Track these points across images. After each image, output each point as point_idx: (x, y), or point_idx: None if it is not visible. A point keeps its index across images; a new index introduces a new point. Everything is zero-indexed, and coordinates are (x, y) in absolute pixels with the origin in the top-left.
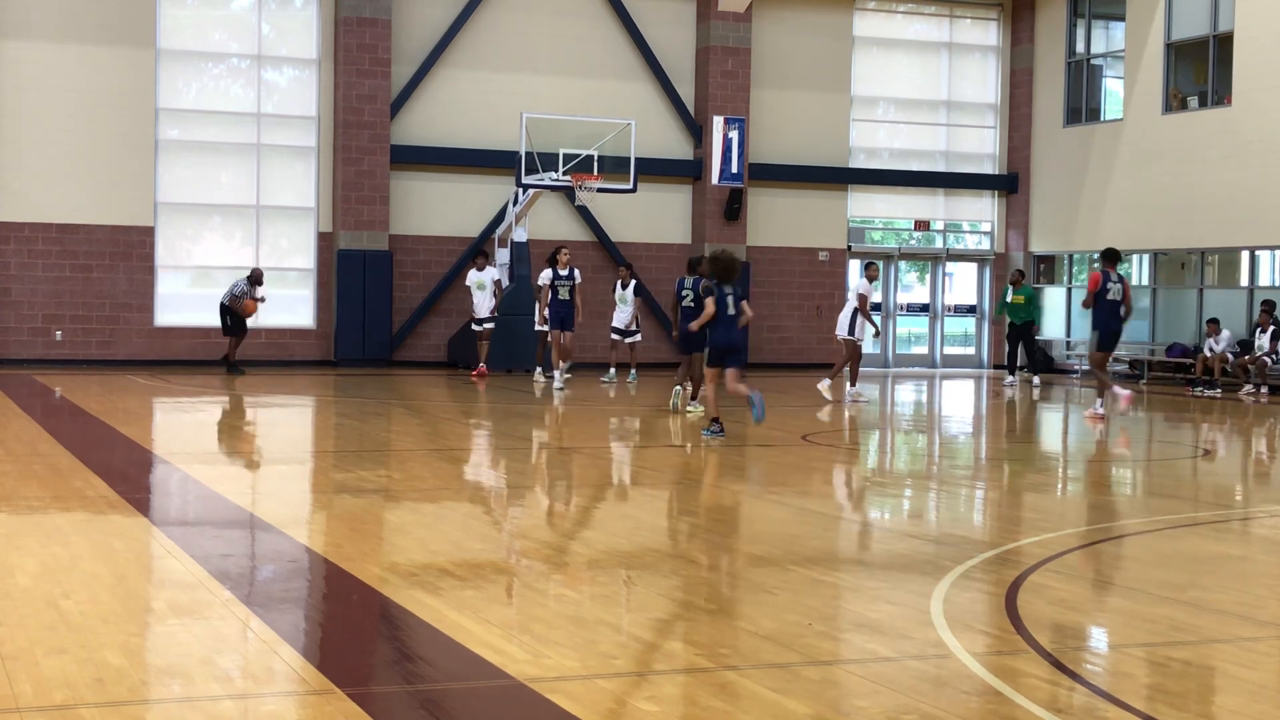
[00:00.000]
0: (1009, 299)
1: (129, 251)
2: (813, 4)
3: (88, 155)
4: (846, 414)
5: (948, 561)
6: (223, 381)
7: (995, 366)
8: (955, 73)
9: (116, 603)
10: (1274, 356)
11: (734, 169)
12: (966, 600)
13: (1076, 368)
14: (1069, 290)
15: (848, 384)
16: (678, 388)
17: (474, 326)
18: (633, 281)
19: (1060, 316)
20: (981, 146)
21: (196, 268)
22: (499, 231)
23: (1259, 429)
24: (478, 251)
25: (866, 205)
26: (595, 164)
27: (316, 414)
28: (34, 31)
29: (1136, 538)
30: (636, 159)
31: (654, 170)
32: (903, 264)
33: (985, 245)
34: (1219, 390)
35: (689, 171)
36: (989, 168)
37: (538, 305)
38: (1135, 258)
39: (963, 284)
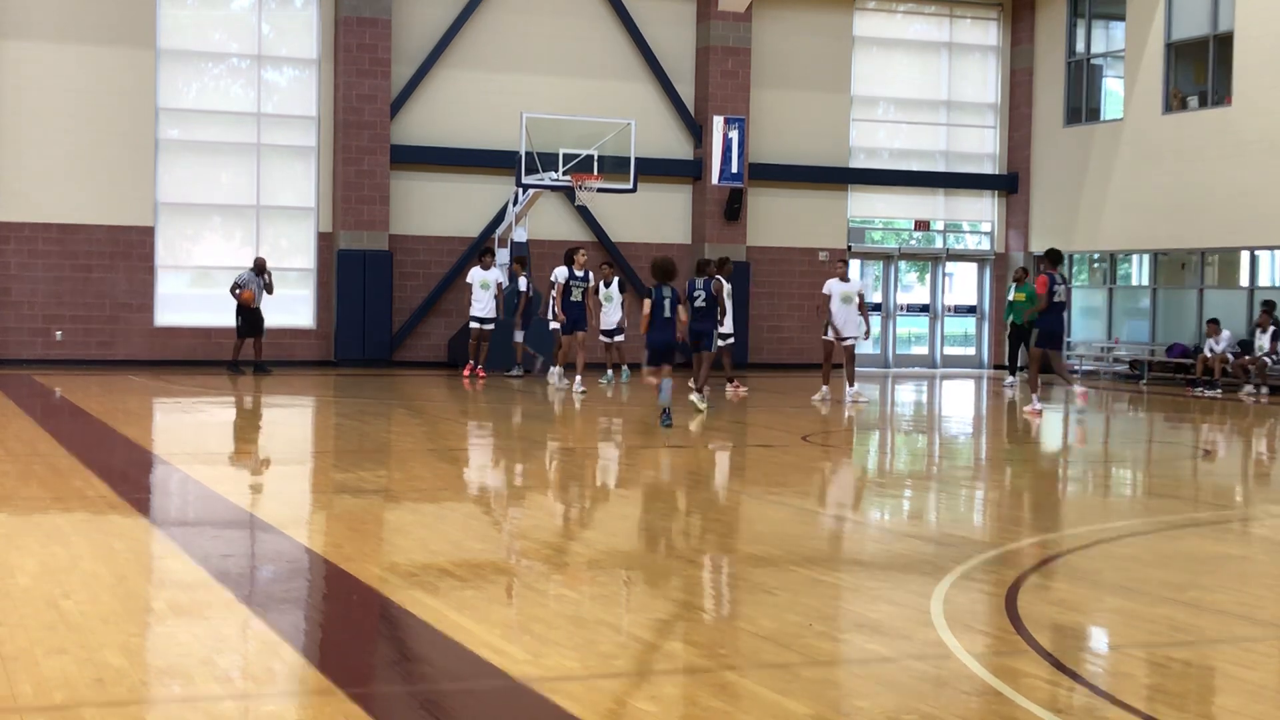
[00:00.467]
0: (1011, 297)
1: (129, 251)
2: (813, 4)
3: (88, 155)
4: (846, 414)
5: (948, 561)
6: (232, 381)
7: (995, 367)
8: (955, 73)
9: (116, 603)
10: (1274, 357)
11: (734, 169)
12: (966, 600)
13: (1077, 368)
14: (1069, 290)
15: (846, 384)
16: (695, 395)
17: (471, 325)
18: (615, 279)
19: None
20: (981, 146)
21: (196, 268)
22: (499, 231)
23: (1259, 429)
24: (483, 249)
25: (866, 205)
26: (595, 164)
27: (316, 414)
28: (34, 31)
29: (1136, 538)
30: (636, 159)
31: (654, 170)
32: (903, 264)
33: (985, 245)
34: (1219, 390)
35: (689, 171)
36: (989, 168)
37: (550, 304)
38: (1135, 258)
39: (963, 284)
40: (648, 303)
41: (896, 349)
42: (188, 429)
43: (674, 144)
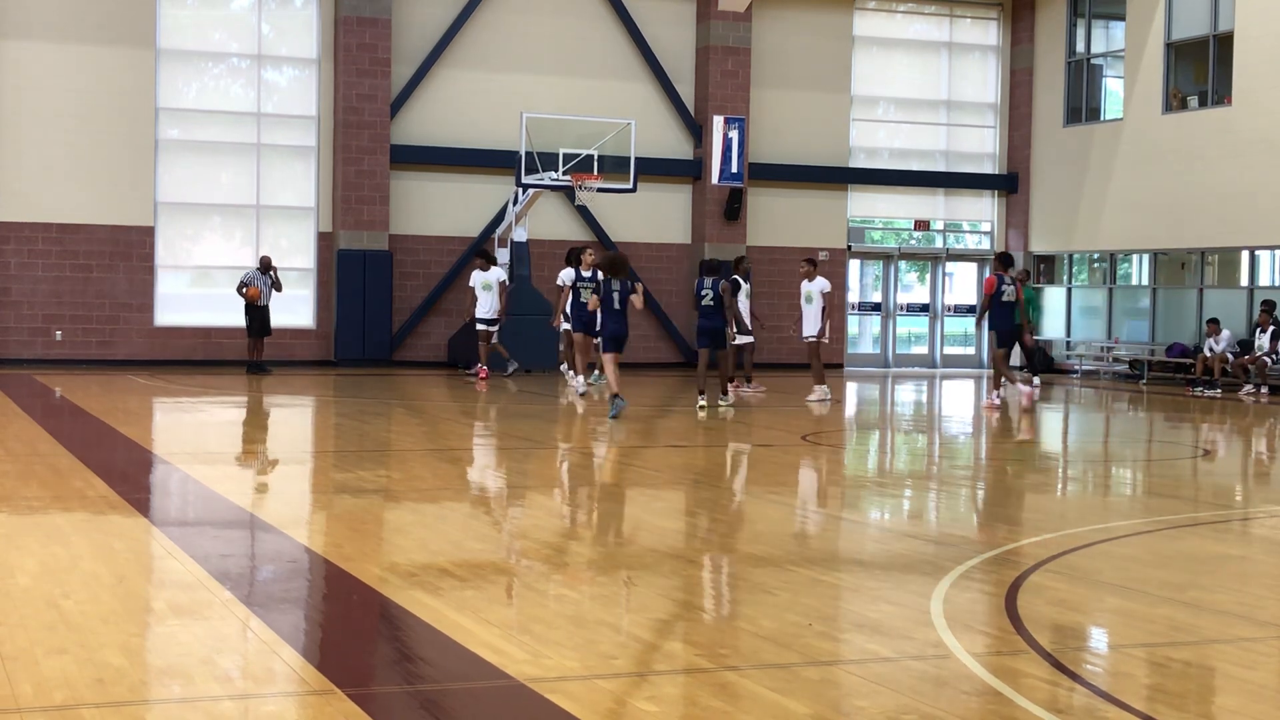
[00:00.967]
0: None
1: (129, 251)
2: (813, 4)
3: (88, 155)
4: (847, 414)
5: (948, 561)
6: (234, 382)
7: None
8: (955, 72)
9: (116, 603)
10: (1274, 356)
11: (734, 169)
12: (966, 600)
13: (1077, 368)
14: (1069, 290)
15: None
16: (722, 399)
17: (478, 327)
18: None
19: (1061, 317)
20: (981, 146)
21: (196, 268)
22: (499, 231)
23: (1259, 429)
24: (480, 252)
25: (866, 205)
26: (595, 164)
27: (316, 414)
28: (34, 31)
29: (1136, 538)
30: (636, 159)
31: (654, 170)
32: (903, 264)
33: (985, 245)
34: (1219, 390)
35: (689, 171)
36: (989, 167)
37: (556, 305)
38: (1135, 258)
39: (963, 284)
40: (597, 299)
41: (896, 349)
42: (188, 429)
43: (674, 144)
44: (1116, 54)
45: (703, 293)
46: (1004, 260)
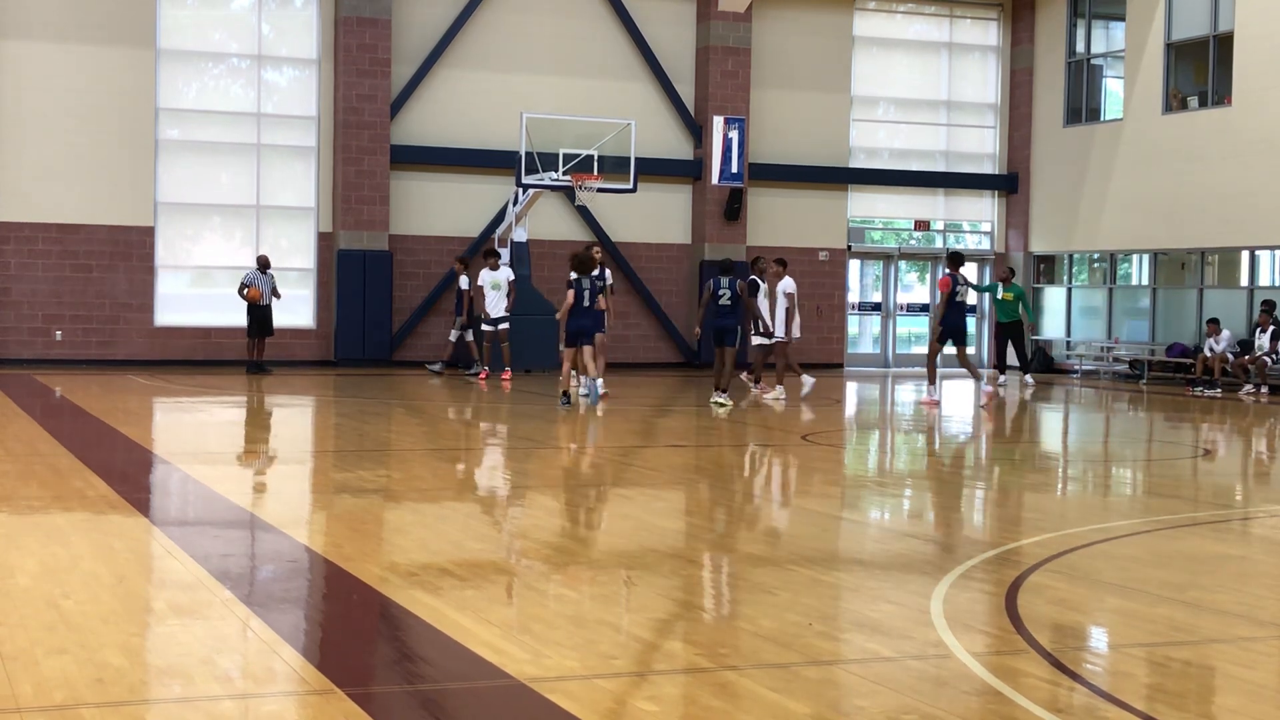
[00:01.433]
0: (999, 296)
1: (129, 251)
2: (813, 4)
3: (88, 155)
4: (846, 414)
5: (948, 561)
6: (234, 382)
7: (994, 367)
8: (955, 73)
9: (116, 603)
10: (1274, 356)
11: (734, 169)
12: (966, 600)
13: (1077, 368)
14: (1069, 290)
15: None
16: (721, 397)
17: (484, 326)
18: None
19: (1060, 316)
20: (981, 146)
21: (196, 268)
22: (499, 231)
23: (1259, 429)
24: (489, 251)
25: (866, 205)
26: (595, 164)
27: (316, 414)
28: (34, 31)
29: (1136, 538)
30: (636, 159)
31: (654, 170)
32: (903, 264)
33: (985, 245)
34: (1219, 390)
35: (689, 171)
36: (989, 168)
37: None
38: (1135, 258)
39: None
40: (570, 293)
41: (896, 349)
42: (188, 429)
43: (674, 144)
44: (1116, 54)
45: (720, 292)
46: (955, 260)
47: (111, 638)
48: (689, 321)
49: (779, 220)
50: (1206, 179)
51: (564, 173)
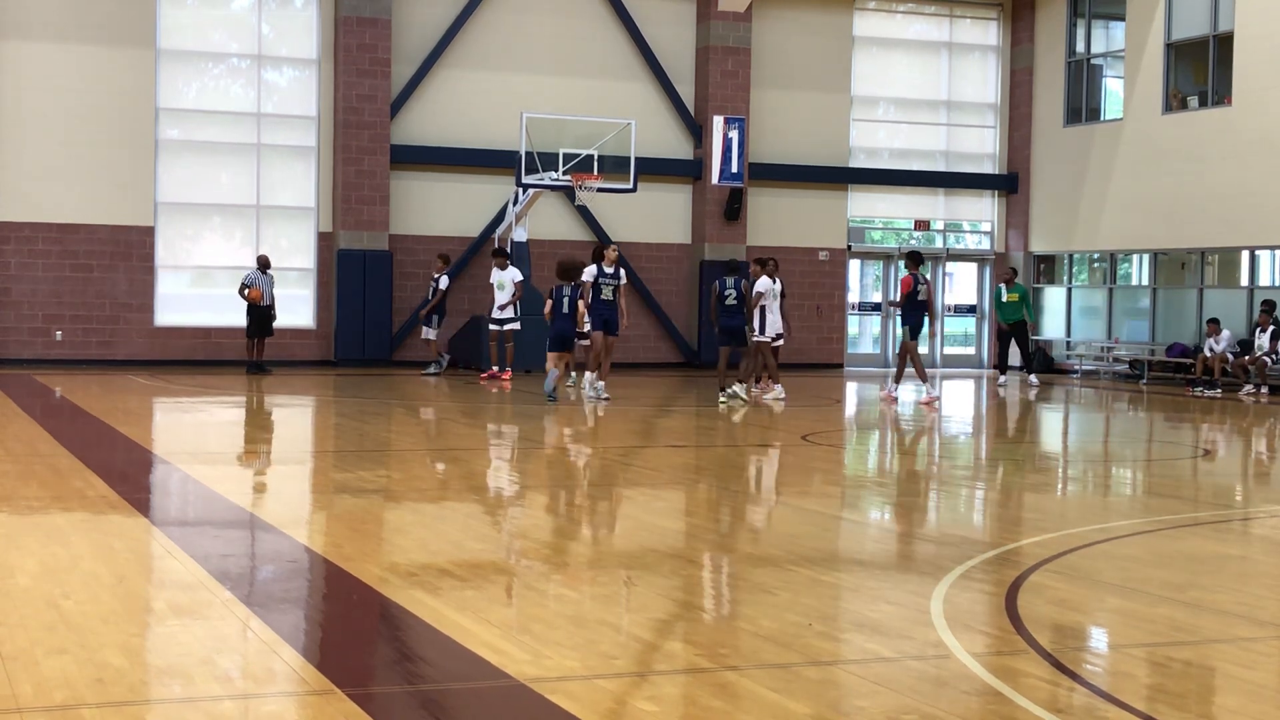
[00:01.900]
0: (1004, 299)
1: (129, 251)
2: (813, 4)
3: (88, 155)
4: (847, 414)
5: (948, 561)
6: (234, 382)
7: (995, 366)
8: (955, 73)
9: (116, 603)
10: (1274, 356)
11: (734, 169)
12: (966, 600)
13: (1077, 368)
14: (1069, 290)
15: (772, 383)
16: (737, 386)
17: (491, 326)
18: None
19: (1060, 316)
20: (981, 146)
21: (196, 268)
22: (499, 231)
23: (1259, 429)
24: (497, 251)
25: (866, 205)
26: (595, 164)
27: (316, 414)
28: (34, 31)
29: (1137, 538)
30: (636, 159)
31: (654, 170)
32: (903, 264)
33: (985, 245)
34: (1219, 390)
35: (689, 171)
36: (989, 167)
37: (579, 304)
38: (1135, 258)
39: (963, 284)
40: (549, 301)
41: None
42: (188, 429)
43: (674, 144)
44: (1116, 54)
45: (726, 292)
46: (914, 259)
47: (111, 638)
48: (689, 321)
49: (779, 220)
50: (1206, 179)
51: (564, 173)
